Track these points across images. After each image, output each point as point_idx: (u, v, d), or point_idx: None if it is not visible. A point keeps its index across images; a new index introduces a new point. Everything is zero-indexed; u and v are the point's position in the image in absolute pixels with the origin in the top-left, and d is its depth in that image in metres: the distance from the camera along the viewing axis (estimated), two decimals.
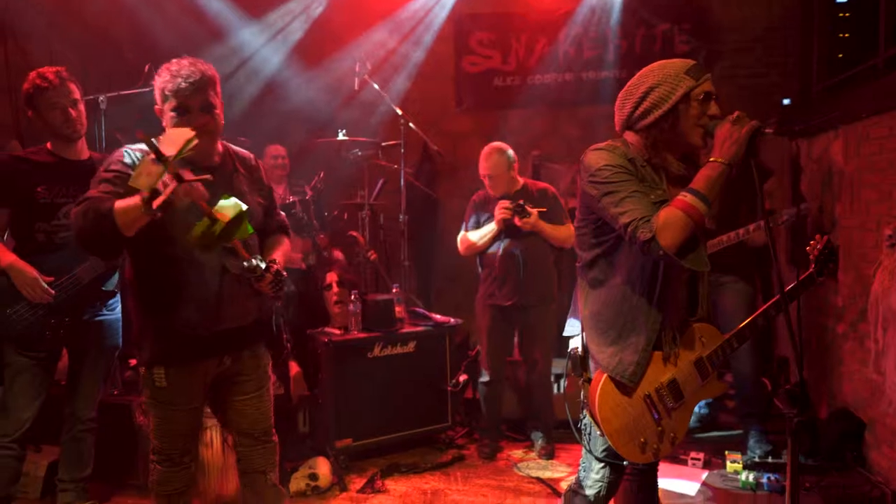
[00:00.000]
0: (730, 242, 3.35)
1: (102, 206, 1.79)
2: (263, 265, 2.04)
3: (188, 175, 1.77)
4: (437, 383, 3.71)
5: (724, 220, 3.45)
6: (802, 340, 4.17)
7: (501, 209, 3.47)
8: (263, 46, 4.86)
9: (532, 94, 5.57)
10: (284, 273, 2.13)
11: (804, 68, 4.86)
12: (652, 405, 1.92)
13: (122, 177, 1.92)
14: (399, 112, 4.29)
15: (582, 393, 2.04)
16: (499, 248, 3.56)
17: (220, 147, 2.17)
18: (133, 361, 3.59)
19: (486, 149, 3.64)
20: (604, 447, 1.99)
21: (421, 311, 3.88)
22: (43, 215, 2.58)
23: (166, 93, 2.00)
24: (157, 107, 2.07)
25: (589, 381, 1.98)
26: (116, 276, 2.82)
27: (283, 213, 2.43)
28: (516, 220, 3.44)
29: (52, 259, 2.56)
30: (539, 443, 3.64)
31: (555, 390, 3.88)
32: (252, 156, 2.30)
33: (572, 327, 2.13)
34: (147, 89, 3.85)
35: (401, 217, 4.44)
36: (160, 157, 1.66)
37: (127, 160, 2.01)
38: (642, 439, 1.91)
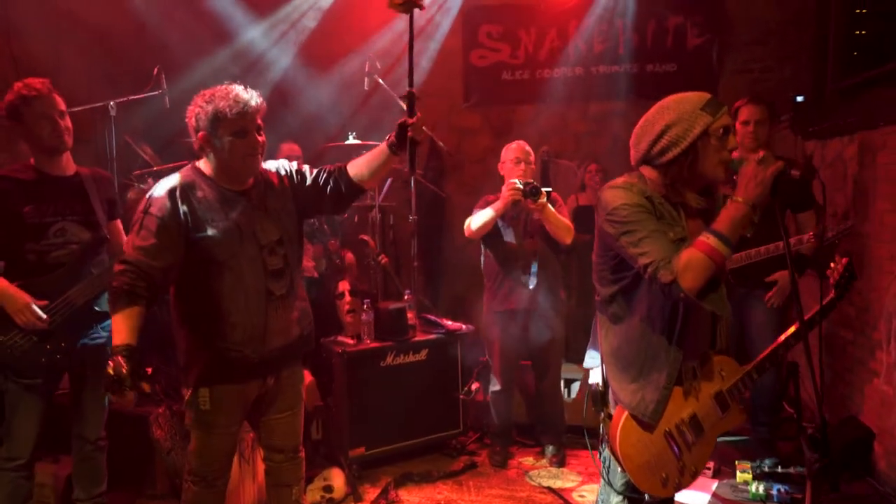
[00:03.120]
0: (768, 255, 3.21)
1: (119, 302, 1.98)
2: None
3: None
4: (449, 390, 3.74)
5: (761, 232, 3.40)
6: (817, 360, 4.19)
7: (511, 188, 3.33)
8: (271, 47, 4.79)
9: (541, 88, 5.51)
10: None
11: (818, 64, 4.78)
12: (672, 441, 1.93)
13: (159, 247, 2.02)
14: (415, 95, 4.23)
15: (601, 427, 2.05)
16: (506, 251, 3.54)
17: None
18: (149, 370, 3.62)
19: (518, 141, 3.60)
20: (623, 481, 2.00)
21: (432, 318, 3.89)
22: (32, 235, 2.48)
23: (229, 116, 2.06)
24: (200, 134, 2.10)
25: (610, 417, 1.99)
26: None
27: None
28: (528, 203, 3.31)
29: (44, 281, 2.48)
30: (550, 450, 3.68)
31: (565, 396, 3.91)
32: (267, 169, 2.32)
33: (592, 359, 2.13)
34: (157, 93, 3.83)
35: (410, 217, 4.42)
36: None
37: (166, 207, 2.05)
38: (663, 474, 1.92)
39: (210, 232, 2.08)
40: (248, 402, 2.27)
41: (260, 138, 2.13)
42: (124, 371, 1.90)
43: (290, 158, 4.38)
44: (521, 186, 3.31)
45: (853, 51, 4.47)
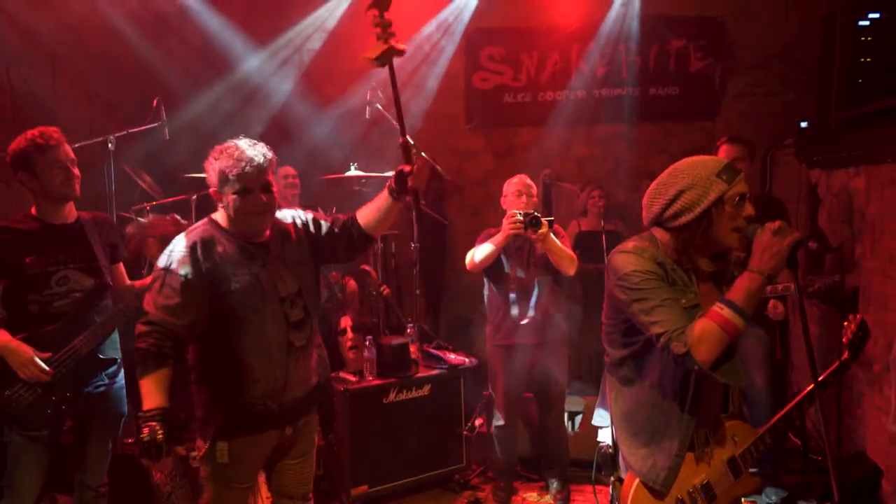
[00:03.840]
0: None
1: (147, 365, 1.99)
2: None
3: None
4: (452, 425, 3.70)
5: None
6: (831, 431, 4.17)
7: (511, 221, 3.29)
8: (272, 76, 4.75)
9: (543, 111, 5.48)
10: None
11: (823, 89, 4.76)
12: None
13: (184, 306, 2.02)
14: (411, 142, 4.19)
15: (611, 490, 2.01)
16: (512, 282, 3.51)
17: None
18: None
19: (519, 175, 3.57)
20: None
21: (435, 352, 3.85)
22: (35, 286, 2.45)
23: (230, 177, 2.06)
24: (212, 189, 2.13)
25: (620, 481, 1.95)
26: (116, 340, 2.69)
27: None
28: (529, 233, 3.26)
29: (48, 332, 2.45)
30: (555, 486, 3.64)
31: (569, 429, 3.87)
32: (282, 219, 2.30)
33: (601, 418, 2.09)
34: (156, 125, 3.79)
35: (413, 245, 4.38)
36: None
37: (188, 264, 2.05)
38: None
39: (233, 287, 2.07)
40: (266, 454, 2.27)
41: (264, 198, 2.11)
42: (160, 437, 1.91)
43: (286, 179, 4.41)
44: (521, 218, 3.27)
45: (858, 78, 4.45)
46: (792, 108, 5.13)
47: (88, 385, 2.58)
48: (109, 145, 3.55)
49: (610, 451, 2.00)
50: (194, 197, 3.79)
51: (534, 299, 3.46)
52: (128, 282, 2.78)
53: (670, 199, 1.80)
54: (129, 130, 3.69)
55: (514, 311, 3.48)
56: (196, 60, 4.43)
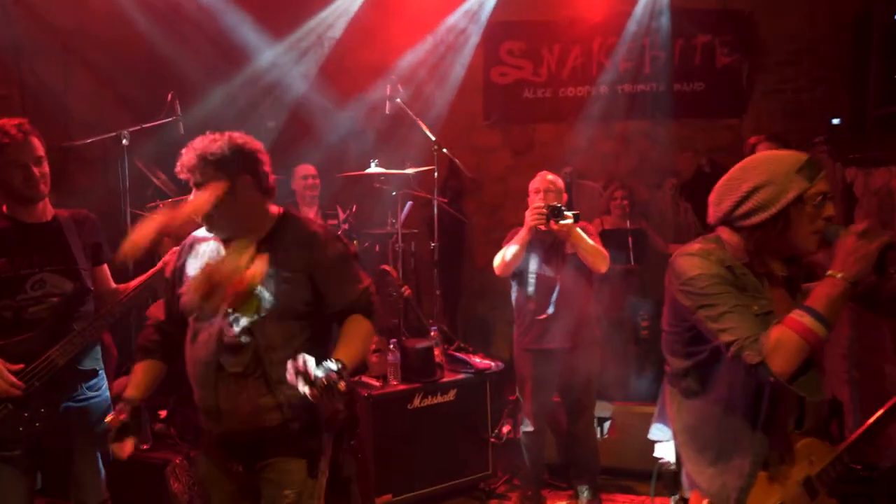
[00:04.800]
0: None
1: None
2: (309, 367, 1.66)
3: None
4: (478, 431, 3.57)
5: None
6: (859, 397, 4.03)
7: (533, 212, 3.15)
8: (290, 70, 4.61)
9: (564, 107, 5.36)
10: (342, 384, 1.68)
11: (856, 86, 4.62)
12: None
13: (166, 303, 2.03)
14: (433, 138, 4.07)
15: None
16: (535, 285, 3.37)
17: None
18: (163, 413, 3.46)
19: (541, 173, 3.43)
20: None
21: (460, 355, 3.72)
22: (6, 291, 2.21)
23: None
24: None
25: (684, 501, 1.81)
26: (98, 350, 2.44)
27: (364, 283, 1.97)
28: (552, 224, 3.12)
29: (21, 342, 2.20)
30: (585, 494, 3.50)
31: (598, 435, 3.73)
32: (311, 226, 2.02)
33: (660, 432, 1.95)
34: (170, 119, 3.66)
35: (432, 244, 4.25)
36: None
37: (172, 262, 2.01)
38: None
39: (184, 288, 1.96)
40: (230, 490, 2.00)
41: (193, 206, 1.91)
42: (122, 419, 1.92)
43: (305, 180, 4.28)
44: (545, 208, 3.12)
45: (894, 74, 4.32)
46: (823, 106, 4.99)
47: (67, 399, 2.31)
48: (124, 140, 3.41)
49: (671, 467, 1.86)
50: None
51: (554, 296, 3.32)
52: (113, 285, 2.52)
53: (743, 196, 1.65)
54: (144, 125, 3.55)
55: (531, 305, 3.35)
56: (212, 54, 4.31)
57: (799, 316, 1.54)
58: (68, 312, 2.30)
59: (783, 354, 1.53)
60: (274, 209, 2.03)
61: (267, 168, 1.99)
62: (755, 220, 1.65)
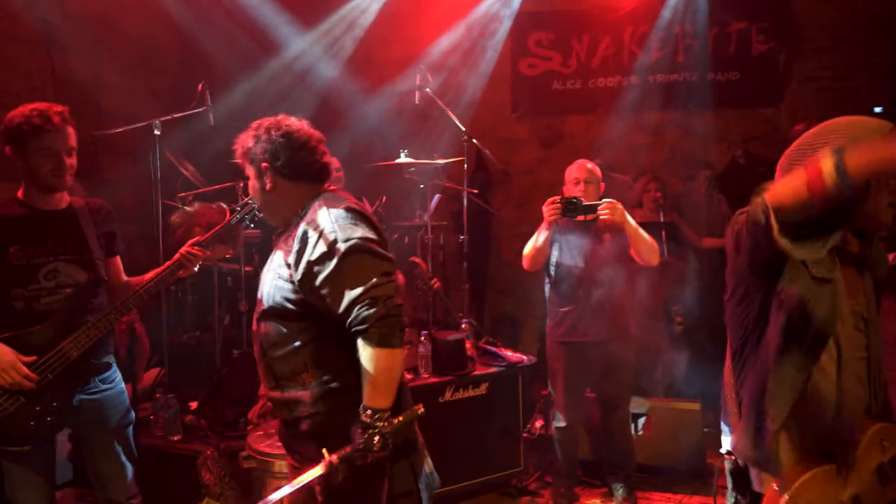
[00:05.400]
0: None
1: None
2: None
3: None
4: (509, 426, 3.50)
5: None
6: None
7: (549, 206, 3.04)
8: (319, 61, 4.58)
9: (594, 98, 5.26)
10: (376, 439, 1.61)
11: None
12: None
13: None
14: (463, 129, 4.00)
15: None
16: (573, 275, 3.29)
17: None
18: (194, 405, 3.44)
19: (579, 160, 3.35)
20: None
21: (491, 348, 3.65)
22: (19, 280, 2.16)
23: None
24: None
25: (758, 497, 1.71)
26: (110, 343, 2.39)
27: (357, 288, 1.64)
28: (599, 216, 3.00)
29: (33, 333, 2.15)
30: (620, 492, 3.42)
31: (633, 431, 3.64)
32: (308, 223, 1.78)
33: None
34: (201, 109, 3.64)
35: (461, 237, 4.19)
36: None
37: None
38: None
39: None
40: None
41: None
42: None
43: (338, 170, 4.23)
44: (561, 202, 3.02)
45: None
46: (862, 94, 4.82)
47: (80, 392, 2.27)
48: (156, 131, 3.40)
49: (741, 467, 1.76)
50: (241, 184, 3.64)
51: (585, 287, 3.22)
52: (125, 278, 2.47)
53: None
54: (174, 115, 3.53)
55: (576, 306, 3.26)
56: (243, 44, 4.30)
57: (821, 155, 1.35)
58: (82, 303, 2.25)
59: (777, 188, 1.41)
60: (310, 193, 1.85)
61: (302, 152, 1.82)
62: None
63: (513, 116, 5.42)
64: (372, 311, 1.61)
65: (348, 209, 1.76)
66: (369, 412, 1.63)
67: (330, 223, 1.72)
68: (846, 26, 4.87)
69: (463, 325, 3.61)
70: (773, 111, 5.03)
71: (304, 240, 1.72)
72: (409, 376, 3.34)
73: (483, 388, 3.43)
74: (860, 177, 1.29)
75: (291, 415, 1.80)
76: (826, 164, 1.29)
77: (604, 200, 3.08)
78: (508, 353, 3.61)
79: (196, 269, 2.36)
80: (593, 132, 5.17)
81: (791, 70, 4.99)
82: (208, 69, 4.08)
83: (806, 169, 1.33)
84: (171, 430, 3.23)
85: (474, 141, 4.07)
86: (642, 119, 5.20)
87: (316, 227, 1.72)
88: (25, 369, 2.10)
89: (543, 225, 3.16)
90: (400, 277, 4.08)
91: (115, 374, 2.42)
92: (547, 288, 3.45)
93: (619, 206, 3.08)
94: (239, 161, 1.88)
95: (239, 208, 2.29)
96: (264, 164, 1.81)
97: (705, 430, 3.57)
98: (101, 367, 2.34)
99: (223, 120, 3.70)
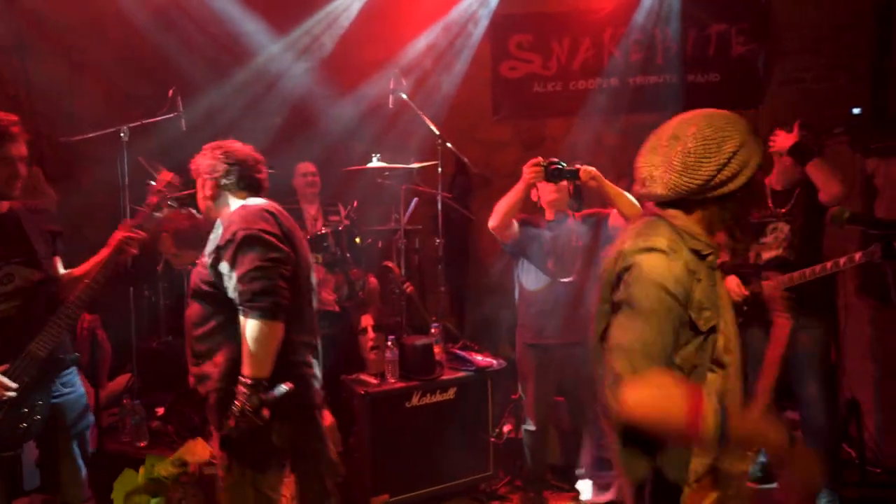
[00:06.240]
0: (813, 277, 2.95)
1: None
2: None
3: None
4: (478, 431, 3.49)
5: (803, 252, 3.14)
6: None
7: (530, 166, 2.92)
8: (292, 65, 4.58)
9: (574, 101, 5.23)
10: (246, 405, 1.93)
11: (878, 74, 4.43)
12: None
13: None
14: (437, 132, 4.00)
15: None
16: (543, 278, 3.28)
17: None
18: (160, 410, 3.45)
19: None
20: None
21: (461, 353, 3.65)
22: None
23: None
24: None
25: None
26: (67, 342, 2.39)
27: (244, 270, 1.96)
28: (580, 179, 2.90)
29: None
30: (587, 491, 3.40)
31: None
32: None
33: None
34: (171, 115, 3.65)
35: (437, 241, 4.18)
36: None
37: None
38: None
39: None
40: None
41: None
42: None
43: (305, 177, 4.25)
44: (542, 166, 2.95)
45: None
46: (843, 95, 4.79)
47: (55, 384, 2.31)
48: (123, 136, 3.42)
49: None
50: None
51: (572, 296, 3.20)
52: (67, 273, 2.46)
53: (726, 160, 1.41)
54: (144, 121, 3.55)
55: (545, 308, 3.24)
56: (215, 50, 4.30)
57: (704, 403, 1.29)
58: (39, 304, 2.28)
59: (645, 399, 1.31)
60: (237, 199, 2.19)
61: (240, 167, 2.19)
62: (732, 187, 1.43)
63: (494, 119, 5.41)
64: (253, 285, 1.91)
65: (263, 209, 2.07)
66: (246, 380, 1.91)
67: (240, 217, 2.04)
68: (826, 27, 4.84)
69: (433, 330, 3.61)
70: (753, 113, 4.99)
71: (217, 230, 2.08)
72: (375, 381, 3.34)
73: (451, 393, 3.42)
74: (737, 441, 1.29)
75: (204, 388, 2.07)
76: (709, 419, 1.26)
77: (581, 166, 2.98)
78: (478, 358, 3.60)
79: (136, 250, 2.40)
80: (574, 135, 5.16)
81: (771, 71, 4.96)
82: (182, 75, 4.09)
83: (687, 404, 1.26)
84: (138, 435, 3.25)
85: (448, 145, 4.07)
86: (622, 121, 5.18)
87: (228, 220, 2.05)
88: (5, 380, 2.14)
89: (520, 184, 3.04)
90: (373, 281, 4.09)
91: (75, 377, 2.44)
92: (517, 291, 3.44)
93: (594, 169, 3.00)
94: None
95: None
96: (207, 177, 2.20)
97: None
98: (63, 364, 2.36)
99: (196, 125, 3.71)
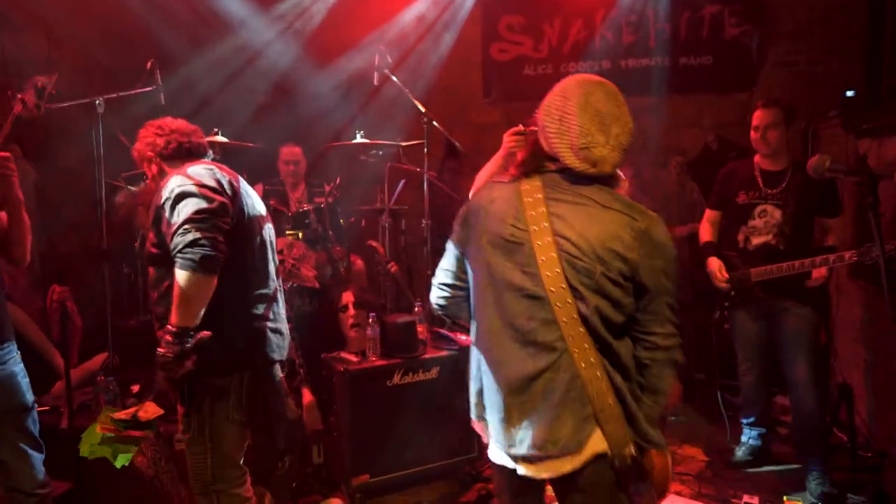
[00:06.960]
0: (802, 270, 3.00)
1: None
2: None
3: None
4: (462, 411, 3.39)
5: (793, 242, 3.10)
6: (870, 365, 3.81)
7: (511, 135, 2.89)
8: (275, 40, 4.48)
9: None
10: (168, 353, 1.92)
11: (872, 56, 4.37)
12: None
13: None
14: (422, 109, 3.91)
15: None
16: None
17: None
18: (135, 388, 3.37)
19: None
20: None
21: (444, 332, 3.57)
22: None
23: None
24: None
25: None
26: (3, 318, 2.29)
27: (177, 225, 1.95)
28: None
29: None
30: None
31: None
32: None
33: None
34: (150, 88, 3.56)
35: (424, 222, 4.10)
36: None
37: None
38: None
39: None
40: None
41: None
42: None
43: (288, 163, 4.15)
44: (525, 132, 2.86)
45: None
46: (836, 78, 4.73)
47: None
48: (98, 108, 3.32)
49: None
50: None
51: None
52: None
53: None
54: (120, 94, 3.45)
55: None
56: (196, 23, 4.20)
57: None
58: None
59: None
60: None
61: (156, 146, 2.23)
62: None
63: (484, 102, 5.34)
64: (185, 237, 1.90)
65: (199, 165, 2.09)
66: (172, 328, 1.90)
67: (176, 175, 2.03)
68: (820, 9, 4.79)
69: (416, 309, 3.53)
70: (746, 96, 4.94)
71: (160, 191, 2.05)
72: (355, 359, 3.26)
73: (434, 373, 3.34)
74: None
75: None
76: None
77: None
78: (462, 338, 3.52)
79: (13, 173, 2.27)
80: None
81: (764, 54, 4.90)
82: (162, 48, 4.00)
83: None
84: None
85: (434, 123, 3.98)
86: None
87: (167, 181, 2.04)
88: None
89: (500, 152, 2.98)
90: (359, 263, 4.01)
91: (10, 354, 2.30)
92: None
93: None
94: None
95: None
96: (150, 156, 2.23)
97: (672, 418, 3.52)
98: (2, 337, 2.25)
99: (176, 98, 3.62)
